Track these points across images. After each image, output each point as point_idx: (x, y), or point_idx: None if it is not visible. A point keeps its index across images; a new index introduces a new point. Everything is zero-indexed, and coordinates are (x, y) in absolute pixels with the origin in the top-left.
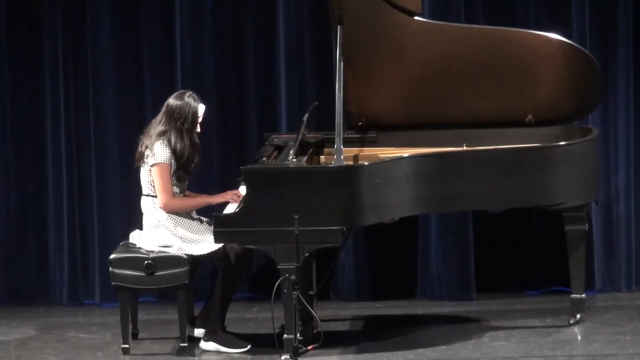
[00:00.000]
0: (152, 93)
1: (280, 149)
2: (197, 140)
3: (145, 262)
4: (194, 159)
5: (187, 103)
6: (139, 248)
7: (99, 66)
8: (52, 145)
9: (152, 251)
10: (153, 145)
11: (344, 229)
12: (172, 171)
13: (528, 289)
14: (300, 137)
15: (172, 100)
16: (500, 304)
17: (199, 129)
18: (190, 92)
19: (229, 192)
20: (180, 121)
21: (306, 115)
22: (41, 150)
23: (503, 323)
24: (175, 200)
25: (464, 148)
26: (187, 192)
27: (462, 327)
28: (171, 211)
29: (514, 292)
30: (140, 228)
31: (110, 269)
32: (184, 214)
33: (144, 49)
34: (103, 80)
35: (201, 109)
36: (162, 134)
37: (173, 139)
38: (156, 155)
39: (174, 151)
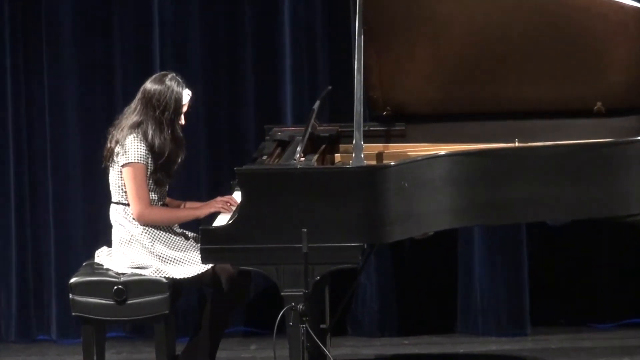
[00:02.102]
0: (123, 75)
1: (284, 145)
2: (181, 134)
3: (115, 287)
4: (176, 158)
5: (168, 87)
6: (107, 270)
7: (57, 41)
8: None
9: (123, 274)
10: (125, 139)
11: (365, 246)
12: (149, 173)
13: (596, 321)
14: (309, 130)
15: (149, 85)
16: (561, 340)
17: (183, 121)
18: (173, 74)
19: (219, 199)
20: (159, 110)
21: (317, 103)
22: None
23: None
24: (152, 210)
25: (516, 144)
26: (167, 200)
27: None
28: (147, 223)
29: (578, 326)
30: (109, 245)
31: (71, 296)
32: (164, 227)
33: (114, 19)
34: (61, 59)
35: (186, 95)
36: (136, 126)
37: (150, 132)
38: (128, 152)
39: (151, 147)
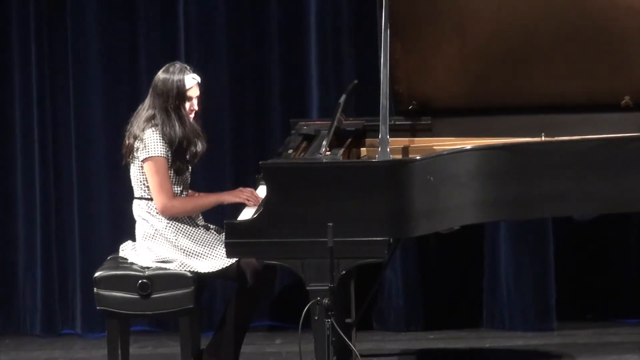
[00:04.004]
0: (148, 69)
1: (310, 139)
2: (189, 119)
3: (140, 281)
4: (189, 145)
5: (171, 74)
6: (132, 264)
7: (82, 36)
8: (22, 137)
9: (147, 268)
10: (143, 134)
11: (391, 240)
12: (169, 164)
13: (623, 316)
14: (335, 124)
15: (156, 77)
16: (588, 336)
17: (195, 107)
18: (180, 64)
19: (244, 189)
20: (164, 98)
21: (343, 97)
22: (8, 143)
23: (592, 359)
24: (176, 202)
25: (543, 138)
26: (190, 192)
27: None
28: (172, 216)
29: (605, 321)
30: (133, 239)
31: (95, 290)
32: (188, 220)
33: (139, 11)
34: (86, 53)
35: (190, 80)
36: (150, 119)
37: (161, 122)
38: (148, 146)
39: (169, 140)
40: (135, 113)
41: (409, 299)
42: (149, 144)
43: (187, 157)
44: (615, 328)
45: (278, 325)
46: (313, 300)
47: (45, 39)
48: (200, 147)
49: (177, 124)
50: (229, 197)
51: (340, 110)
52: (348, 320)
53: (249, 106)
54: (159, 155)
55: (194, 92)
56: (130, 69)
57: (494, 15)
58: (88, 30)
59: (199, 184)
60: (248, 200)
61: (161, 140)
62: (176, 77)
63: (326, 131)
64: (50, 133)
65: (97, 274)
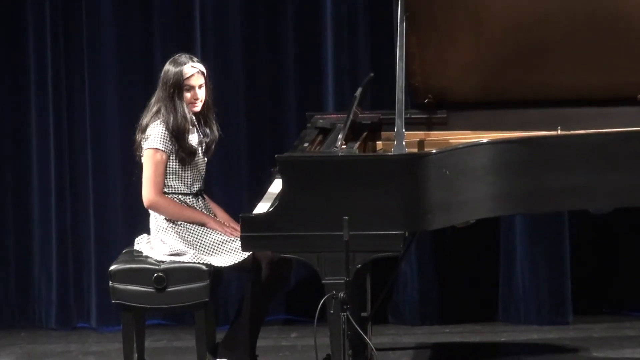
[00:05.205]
0: (164, 64)
1: (326, 132)
2: (184, 109)
3: (155, 274)
4: (185, 133)
5: (171, 64)
6: (147, 257)
7: (96, 31)
8: (38, 130)
9: (162, 261)
10: (149, 128)
11: (406, 234)
12: (172, 159)
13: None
14: (351, 117)
15: (163, 69)
16: (604, 329)
17: (198, 96)
18: (186, 55)
19: (231, 223)
20: (165, 88)
21: (359, 90)
22: (23, 136)
23: (608, 353)
24: (163, 200)
25: (559, 132)
26: (207, 198)
27: (556, 358)
28: (155, 211)
29: (621, 315)
30: (148, 232)
31: (110, 283)
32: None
33: (154, 9)
34: (102, 48)
35: (189, 69)
36: (156, 113)
37: (165, 113)
38: (150, 138)
39: (174, 132)
40: (145, 108)
41: (424, 292)
42: (150, 136)
43: (185, 146)
44: (631, 322)
45: (294, 318)
46: (329, 294)
47: (61, 35)
48: (209, 137)
49: (172, 111)
50: (214, 225)
51: (356, 103)
52: (364, 314)
53: (265, 99)
54: (159, 148)
55: (194, 80)
56: (146, 65)
57: (509, 8)
58: (103, 26)
59: (214, 177)
60: (230, 235)
61: (165, 134)
62: (176, 67)
63: (342, 125)
64: (65, 126)
65: (112, 268)
